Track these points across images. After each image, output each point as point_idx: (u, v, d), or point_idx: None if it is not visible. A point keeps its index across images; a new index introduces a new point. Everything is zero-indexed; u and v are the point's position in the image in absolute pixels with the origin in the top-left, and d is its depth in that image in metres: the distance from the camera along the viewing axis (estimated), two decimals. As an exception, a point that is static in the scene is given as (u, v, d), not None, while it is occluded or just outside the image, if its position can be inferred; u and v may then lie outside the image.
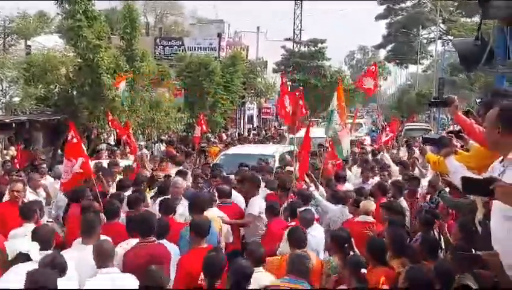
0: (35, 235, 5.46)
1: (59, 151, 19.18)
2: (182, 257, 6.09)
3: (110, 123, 17.42)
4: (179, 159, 13.62)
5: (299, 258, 5.62)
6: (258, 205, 8.53)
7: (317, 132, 18.05)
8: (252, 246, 6.07)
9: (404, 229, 7.02)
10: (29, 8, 20.22)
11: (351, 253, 6.17)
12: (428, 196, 8.80)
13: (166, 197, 8.05)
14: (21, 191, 8.16)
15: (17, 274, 4.66)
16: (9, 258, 5.16)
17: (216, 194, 8.60)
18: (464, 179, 3.64)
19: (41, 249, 5.28)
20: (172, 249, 6.29)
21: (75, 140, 8.65)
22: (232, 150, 15.64)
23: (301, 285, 5.39)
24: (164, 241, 6.23)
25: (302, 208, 7.72)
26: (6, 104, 15.71)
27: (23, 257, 5.11)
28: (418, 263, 5.49)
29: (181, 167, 12.26)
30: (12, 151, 16.64)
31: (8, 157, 15.88)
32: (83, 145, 8.75)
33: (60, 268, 4.74)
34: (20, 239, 5.54)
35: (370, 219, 7.80)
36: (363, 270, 5.40)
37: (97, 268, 5.19)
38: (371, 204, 8.09)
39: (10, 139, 18.79)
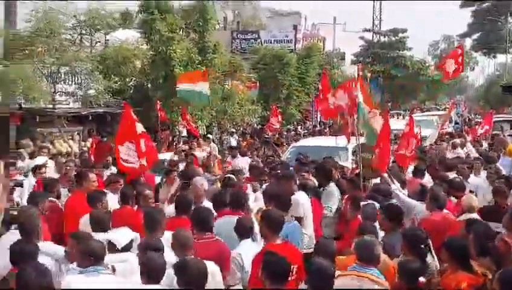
0: None
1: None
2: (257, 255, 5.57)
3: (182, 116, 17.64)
4: (242, 149, 13.50)
5: (367, 244, 5.18)
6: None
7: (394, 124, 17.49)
8: (324, 244, 5.67)
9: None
10: (115, 8, 20.73)
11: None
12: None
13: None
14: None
15: None
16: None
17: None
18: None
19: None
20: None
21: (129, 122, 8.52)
22: (302, 142, 15.28)
23: (370, 273, 4.95)
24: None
25: (365, 202, 7.15)
26: (83, 97, 16.13)
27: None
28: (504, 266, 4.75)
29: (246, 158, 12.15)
30: (90, 143, 17.09)
31: (85, 149, 16.35)
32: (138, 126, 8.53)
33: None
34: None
35: (475, 216, 6.81)
36: (422, 279, 4.81)
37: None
38: (473, 199, 7.25)
39: (90, 131, 19.38)
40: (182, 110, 17.55)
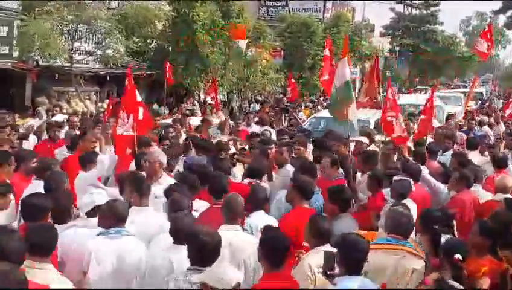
0: None
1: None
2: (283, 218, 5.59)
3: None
4: (262, 117, 13.05)
5: (399, 214, 4.78)
6: None
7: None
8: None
9: None
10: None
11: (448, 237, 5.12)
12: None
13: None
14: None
15: None
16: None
17: None
18: None
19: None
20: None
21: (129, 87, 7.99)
22: (322, 113, 14.73)
23: (401, 245, 4.61)
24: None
25: (398, 177, 6.59)
26: (102, 57, 15.75)
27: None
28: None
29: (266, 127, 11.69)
30: (106, 104, 16.82)
31: (102, 110, 16.07)
32: (138, 96, 8.12)
33: None
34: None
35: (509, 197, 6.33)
36: (457, 256, 4.36)
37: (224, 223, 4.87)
38: (508, 179, 6.74)
39: (109, 93, 19.10)
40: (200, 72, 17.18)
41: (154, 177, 6.21)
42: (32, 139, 9.97)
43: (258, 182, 6.46)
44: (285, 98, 20.02)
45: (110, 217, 4.56)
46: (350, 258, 4.00)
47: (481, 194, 6.90)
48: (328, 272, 4.10)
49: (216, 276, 3.72)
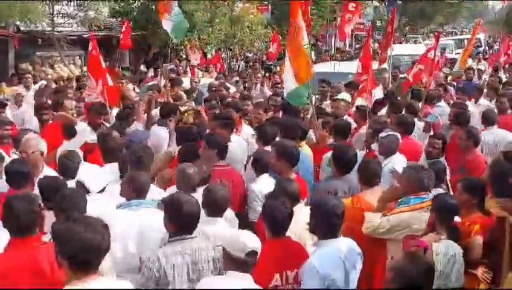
0: None
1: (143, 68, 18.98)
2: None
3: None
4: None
5: (417, 171, 4.72)
6: None
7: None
8: None
9: None
10: None
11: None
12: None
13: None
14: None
15: None
16: None
17: None
18: None
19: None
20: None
21: (94, 52, 7.88)
22: (316, 68, 14.43)
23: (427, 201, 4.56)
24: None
25: (385, 133, 6.47)
26: (84, 19, 15.30)
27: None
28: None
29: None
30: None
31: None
32: (102, 62, 7.87)
33: None
34: None
35: None
36: (457, 219, 4.28)
37: None
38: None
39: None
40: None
41: (36, 171, 5.24)
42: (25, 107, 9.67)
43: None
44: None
45: (130, 189, 4.46)
46: (327, 222, 3.92)
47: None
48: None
49: (237, 241, 3.58)
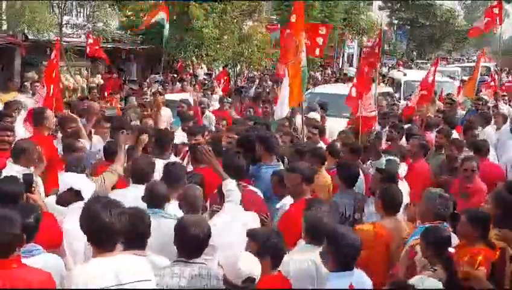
0: None
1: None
2: None
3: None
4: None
5: (441, 198, 4.69)
6: None
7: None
8: None
9: None
10: None
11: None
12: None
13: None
14: None
15: None
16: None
17: None
18: None
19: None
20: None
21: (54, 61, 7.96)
22: (319, 89, 14.49)
23: None
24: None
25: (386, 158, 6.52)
26: (92, 31, 15.33)
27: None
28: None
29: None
30: (98, 79, 16.47)
31: (93, 85, 15.74)
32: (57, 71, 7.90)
33: None
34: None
35: None
36: (451, 250, 4.13)
37: None
38: None
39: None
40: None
41: None
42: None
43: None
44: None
45: (149, 197, 4.55)
46: (342, 254, 3.79)
47: None
48: None
49: (234, 267, 3.46)
